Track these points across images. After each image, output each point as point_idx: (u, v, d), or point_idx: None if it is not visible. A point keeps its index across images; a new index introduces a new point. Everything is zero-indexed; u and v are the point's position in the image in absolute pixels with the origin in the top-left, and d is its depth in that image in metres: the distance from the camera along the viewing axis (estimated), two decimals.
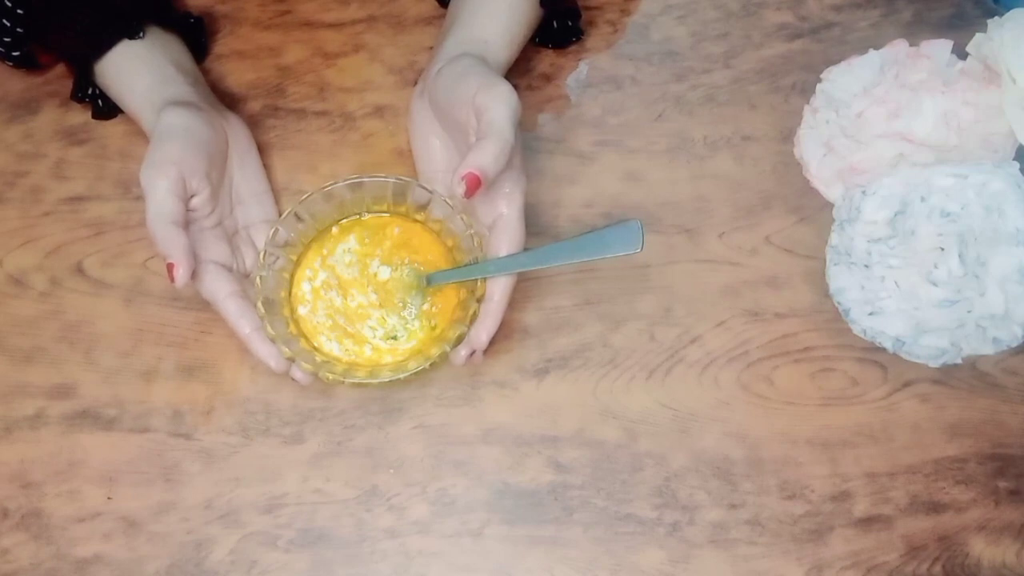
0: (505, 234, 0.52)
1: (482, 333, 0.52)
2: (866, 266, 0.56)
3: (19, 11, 0.57)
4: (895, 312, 0.55)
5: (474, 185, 0.48)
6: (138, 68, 0.57)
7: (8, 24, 0.57)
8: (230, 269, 0.54)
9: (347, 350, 0.55)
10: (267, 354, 0.52)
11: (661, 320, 0.58)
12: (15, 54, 0.60)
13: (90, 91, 0.60)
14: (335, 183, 0.54)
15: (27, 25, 0.58)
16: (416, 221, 0.57)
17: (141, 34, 0.57)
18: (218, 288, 0.53)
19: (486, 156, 0.48)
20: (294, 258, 0.56)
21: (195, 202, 0.53)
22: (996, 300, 0.53)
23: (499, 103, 0.50)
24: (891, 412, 0.56)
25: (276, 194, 0.60)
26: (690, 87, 0.64)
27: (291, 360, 0.52)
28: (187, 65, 0.60)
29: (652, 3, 0.67)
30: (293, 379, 0.53)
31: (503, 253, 0.52)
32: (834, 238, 0.57)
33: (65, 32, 0.57)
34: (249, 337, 0.52)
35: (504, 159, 0.49)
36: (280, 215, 0.57)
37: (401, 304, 0.56)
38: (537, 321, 0.58)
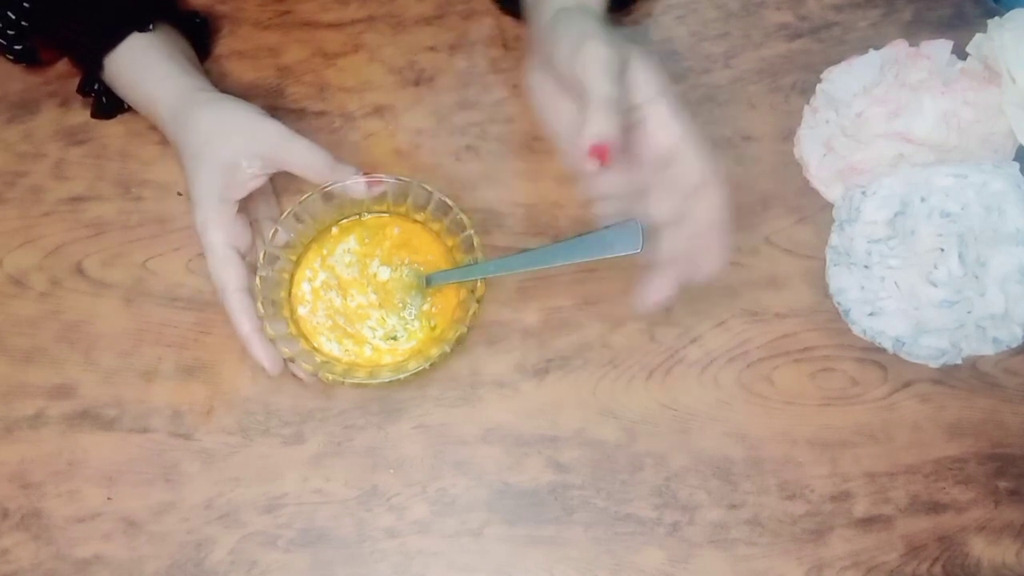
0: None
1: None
2: (866, 266, 0.56)
3: (25, 3, 0.57)
4: (895, 312, 0.55)
5: (603, 154, 0.46)
6: (152, 59, 0.57)
7: (13, 16, 0.57)
8: (245, 257, 0.54)
9: (347, 350, 0.55)
10: (263, 355, 0.52)
11: (661, 320, 0.58)
12: (17, 47, 0.60)
13: (96, 86, 0.60)
14: (334, 183, 0.55)
15: (32, 18, 0.58)
16: (416, 221, 0.57)
17: (151, 27, 0.57)
18: (229, 278, 0.53)
19: (597, 124, 0.46)
20: (294, 258, 0.56)
21: (253, 184, 0.54)
22: (996, 300, 0.53)
23: (588, 66, 0.46)
24: (891, 412, 0.56)
25: (276, 194, 0.60)
26: (690, 87, 0.64)
27: (291, 360, 0.52)
28: (195, 62, 0.60)
29: (652, 3, 0.67)
30: (295, 375, 0.54)
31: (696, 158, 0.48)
32: (834, 238, 0.57)
33: (73, 25, 0.57)
34: (248, 337, 0.52)
35: (614, 115, 0.46)
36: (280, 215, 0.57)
37: (401, 304, 0.56)
38: (537, 321, 0.58)
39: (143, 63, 0.57)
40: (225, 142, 0.53)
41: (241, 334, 0.52)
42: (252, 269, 0.54)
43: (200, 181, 0.53)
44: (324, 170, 0.54)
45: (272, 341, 0.52)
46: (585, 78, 0.46)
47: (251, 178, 0.54)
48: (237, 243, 0.53)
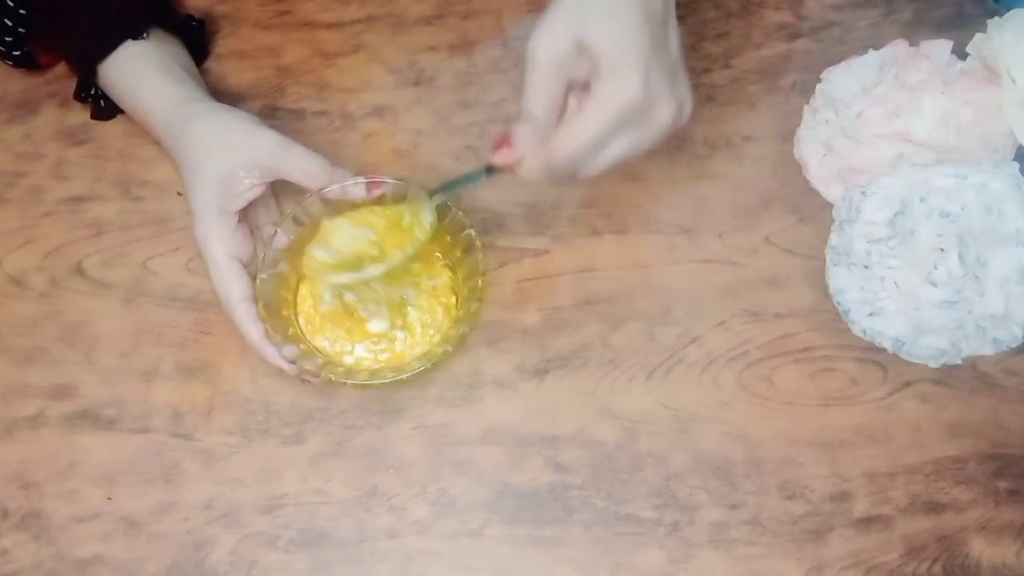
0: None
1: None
2: (866, 267, 0.56)
3: (21, 11, 0.57)
4: (895, 312, 0.55)
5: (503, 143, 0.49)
6: (146, 68, 0.57)
7: (10, 24, 0.57)
8: (247, 266, 0.54)
9: (347, 351, 0.55)
10: (278, 360, 0.53)
11: (661, 320, 0.58)
12: (16, 53, 0.60)
13: (92, 91, 0.60)
14: (333, 186, 0.55)
15: (29, 25, 0.58)
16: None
17: (145, 35, 0.57)
18: (233, 289, 0.53)
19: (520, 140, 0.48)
20: (295, 260, 0.56)
21: (252, 193, 0.54)
22: (996, 300, 0.53)
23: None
24: (891, 412, 0.56)
25: (276, 196, 0.60)
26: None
27: (293, 362, 0.52)
28: (190, 68, 0.60)
29: None
30: (302, 380, 0.54)
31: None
32: (834, 238, 0.57)
33: (68, 33, 0.57)
34: (259, 344, 0.53)
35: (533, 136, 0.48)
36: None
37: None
38: (537, 321, 0.58)
39: (137, 73, 0.57)
40: (221, 154, 0.53)
41: (252, 343, 0.53)
42: (255, 277, 0.54)
43: (199, 193, 0.53)
44: (322, 176, 0.54)
45: (273, 343, 0.52)
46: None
47: (249, 188, 0.54)
48: (239, 253, 0.54)
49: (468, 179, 0.52)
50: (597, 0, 0.47)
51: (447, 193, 0.53)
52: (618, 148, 0.48)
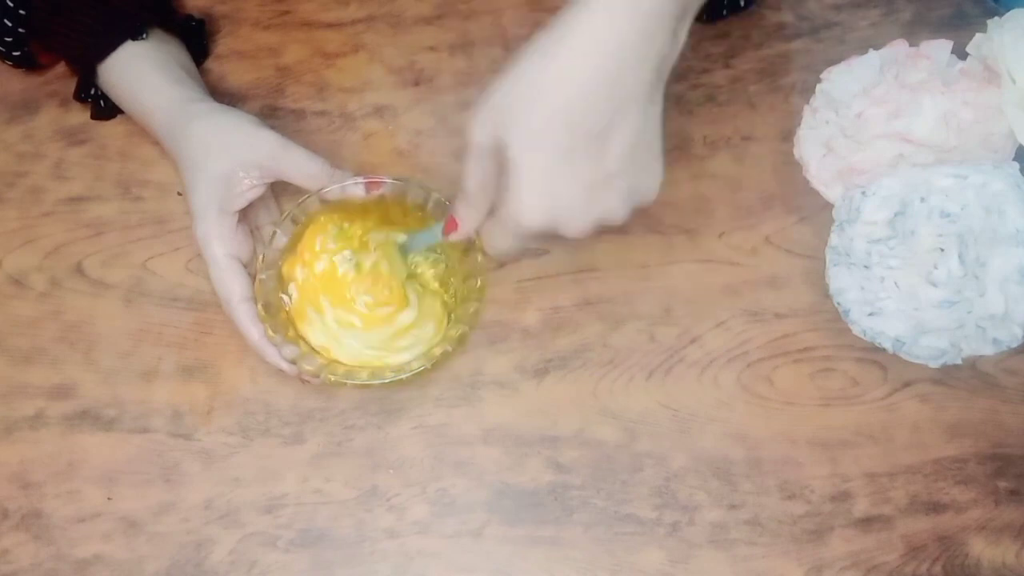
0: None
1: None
2: (866, 267, 0.56)
3: (21, 11, 0.57)
4: (895, 312, 0.55)
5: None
6: (146, 68, 0.57)
7: (9, 24, 0.57)
8: (247, 266, 0.55)
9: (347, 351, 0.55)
10: (279, 360, 0.53)
11: (661, 320, 0.58)
12: (15, 54, 0.60)
13: (93, 91, 0.60)
14: (333, 187, 0.55)
15: (29, 25, 0.58)
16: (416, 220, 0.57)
17: (144, 35, 0.57)
18: (234, 289, 0.53)
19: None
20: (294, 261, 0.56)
21: (252, 193, 0.54)
22: (996, 301, 0.53)
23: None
24: (891, 412, 0.56)
25: (276, 196, 0.60)
26: (690, 87, 0.64)
27: (293, 363, 0.52)
28: (190, 68, 0.60)
29: None
30: (302, 380, 0.54)
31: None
32: (834, 239, 0.57)
33: (68, 33, 0.57)
34: (259, 345, 0.53)
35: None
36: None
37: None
38: (537, 321, 0.58)
39: (137, 73, 0.57)
40: (221, 154, 0.53)
41: (252, 343, 0.53)
42: (255, 277, 0.54)
43: (199, 193, 0.53)
44: (322, 177, 0.54)
45: (273, 344, 0.52)
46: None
47: (249, 188, 0.54)
48: (239, 253, 0.54)
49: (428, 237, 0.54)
50: (522, 99, 0.43)
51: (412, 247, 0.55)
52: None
